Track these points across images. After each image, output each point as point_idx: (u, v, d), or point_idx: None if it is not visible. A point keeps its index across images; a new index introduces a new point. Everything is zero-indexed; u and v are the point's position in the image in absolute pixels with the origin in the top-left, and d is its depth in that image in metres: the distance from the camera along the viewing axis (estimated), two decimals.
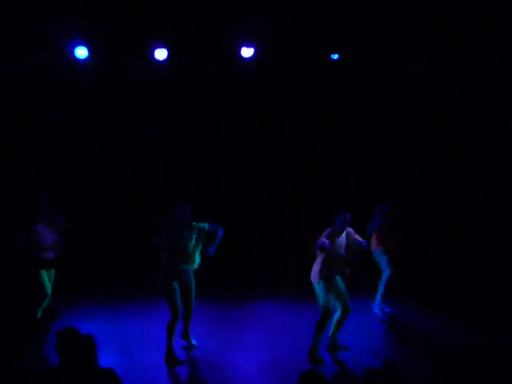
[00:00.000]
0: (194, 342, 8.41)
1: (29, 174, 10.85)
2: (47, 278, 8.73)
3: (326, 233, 8.15)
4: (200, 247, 8.03)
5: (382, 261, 9.86)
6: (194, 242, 7.94)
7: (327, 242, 8.00)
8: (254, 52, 10.45)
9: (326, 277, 8.11)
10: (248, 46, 10.36)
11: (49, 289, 8.74)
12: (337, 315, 8.39)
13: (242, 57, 10.49)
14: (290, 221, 11.79)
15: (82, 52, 10.21)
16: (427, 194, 11.84)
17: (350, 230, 8.40)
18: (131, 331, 8.87)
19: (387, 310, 9.92)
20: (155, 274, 7.98)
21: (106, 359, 5.96)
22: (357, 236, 8.46)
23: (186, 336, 8.40)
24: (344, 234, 8.29)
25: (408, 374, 6.65)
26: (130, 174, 11.67)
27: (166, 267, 7.91)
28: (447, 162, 11.89)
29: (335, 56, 10.66)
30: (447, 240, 11.70)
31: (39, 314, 8.73)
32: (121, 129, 11.45)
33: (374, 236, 9.85)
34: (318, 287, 8.18)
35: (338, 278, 8.28)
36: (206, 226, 8.02)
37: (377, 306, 9.98)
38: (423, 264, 11.25)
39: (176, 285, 7.93)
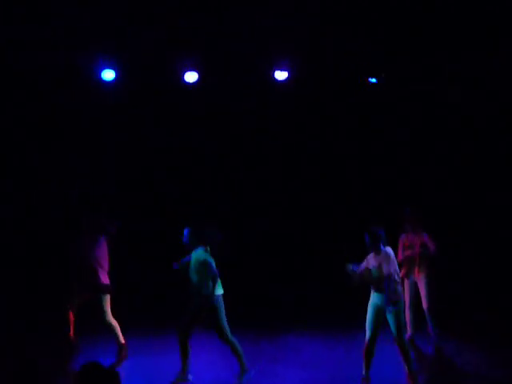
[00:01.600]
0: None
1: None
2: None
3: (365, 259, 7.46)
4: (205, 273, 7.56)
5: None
6: (193, 268, 7.60)
7: (354, 269, 7.25)
8: (288, 75, 10.16)
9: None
10: (282, 70, 10.08)
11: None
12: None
13: (276, 79, 10.22)
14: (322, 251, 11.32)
15: (109, 75, 10.22)
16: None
17: (389, 250, 7.41)
18: (153, 365, 8.42)
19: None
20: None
21: None
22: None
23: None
24: (384, 255, 7.29)
25: None
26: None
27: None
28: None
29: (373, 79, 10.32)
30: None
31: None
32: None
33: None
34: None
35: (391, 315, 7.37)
36: (201, 258, 7.58)
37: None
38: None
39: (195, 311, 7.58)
